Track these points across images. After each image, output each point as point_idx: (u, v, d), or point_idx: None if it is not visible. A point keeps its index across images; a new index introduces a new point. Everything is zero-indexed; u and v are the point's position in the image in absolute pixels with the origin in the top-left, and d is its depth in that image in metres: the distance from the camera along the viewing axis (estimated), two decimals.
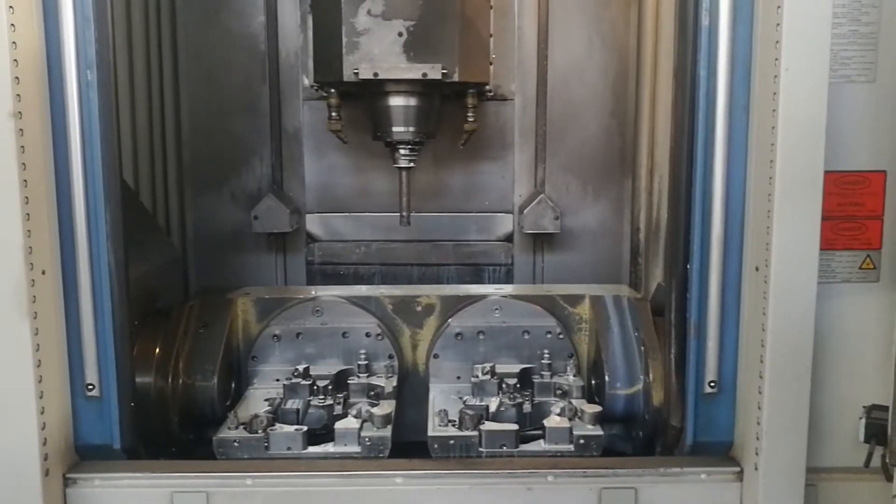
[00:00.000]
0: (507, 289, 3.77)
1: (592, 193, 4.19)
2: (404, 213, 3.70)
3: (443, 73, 3.31)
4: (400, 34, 3.30)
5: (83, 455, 2.79)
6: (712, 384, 2.77)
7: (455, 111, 3.77)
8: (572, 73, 4.10)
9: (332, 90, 3.67)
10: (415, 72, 3.31)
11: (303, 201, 4.17)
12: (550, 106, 4.11)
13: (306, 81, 4.05)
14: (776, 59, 2.49)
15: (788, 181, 2.51)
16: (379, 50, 3.31)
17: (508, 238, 4.23)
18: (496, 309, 3.53)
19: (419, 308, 3.59)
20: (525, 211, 4.08)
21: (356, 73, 3.32)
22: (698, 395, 2.79)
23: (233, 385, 3.49)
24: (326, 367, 3.44)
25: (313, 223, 4.21)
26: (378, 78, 3.32)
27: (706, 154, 2.66)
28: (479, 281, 4.22)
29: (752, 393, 2.68)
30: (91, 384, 2.69)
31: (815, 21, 2.47)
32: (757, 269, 2.63)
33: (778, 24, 2.48)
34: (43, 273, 2.56)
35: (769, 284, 2.56)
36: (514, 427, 2.97)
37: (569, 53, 4.08)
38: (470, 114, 3.72)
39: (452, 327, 3.50)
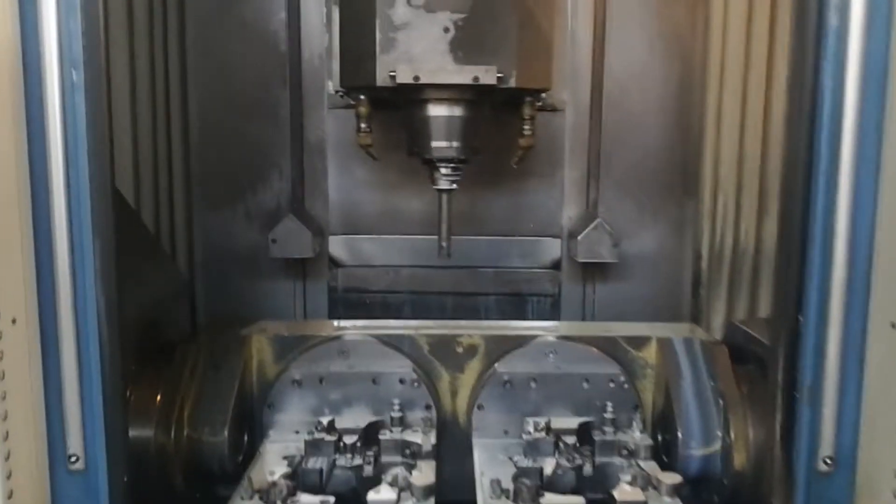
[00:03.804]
0: (561, 327, 3.52)
1: (650, 216, 4.01)
2: (444, 243, 3.41)
3: (498, 78, 2.96)
4: (446, 29, 2.99)
5: None
6: (828, 461, 2.41)
7: (501, 122, 3.49)
8: (631, 80, 3.91)
9: (362, 97, 3.33)
10: (464, 75, 2.98)
11: (326, 221, 3.97)
12: (606, 117, 3.89)
13: (331, 87, 3.79)
14: None
15: None
16: (420, 48, 3.00)
17: (555, 265, 4.00)
18: (550, 352, 3.21)
19: (460, 349, 3.26)
20: (579, 237, 3.81)
21: (392, 77, 3.01)
22: (810, 472, 2.42)
23: (245, 437, 3.19)
24: (354, 419, 3.13)
25: (337, 246, 4.01)
26: (419, 83, 2.99)
27: (828, 183, 2.28)
28: (522, 312, 4.02)
29: (881, 471, 2.31)
30: (74, 455, 2.31)
31: None
32: (893, 325, 2.24)
33: None
34: (13, 322, 2.16)
35: None
36: (581, 501, 2.65)
37: (627, 58, 3.88)
38: (526, 126, 3.41)
39: (500, 373, 3.19)
